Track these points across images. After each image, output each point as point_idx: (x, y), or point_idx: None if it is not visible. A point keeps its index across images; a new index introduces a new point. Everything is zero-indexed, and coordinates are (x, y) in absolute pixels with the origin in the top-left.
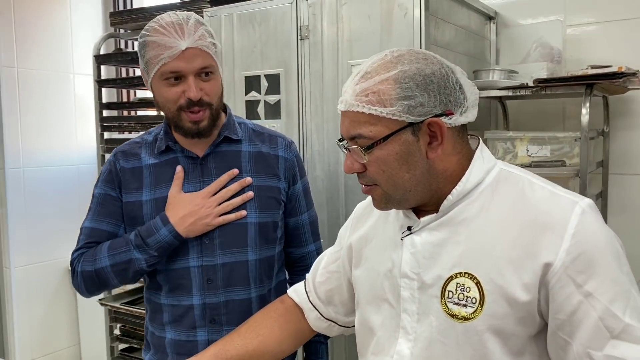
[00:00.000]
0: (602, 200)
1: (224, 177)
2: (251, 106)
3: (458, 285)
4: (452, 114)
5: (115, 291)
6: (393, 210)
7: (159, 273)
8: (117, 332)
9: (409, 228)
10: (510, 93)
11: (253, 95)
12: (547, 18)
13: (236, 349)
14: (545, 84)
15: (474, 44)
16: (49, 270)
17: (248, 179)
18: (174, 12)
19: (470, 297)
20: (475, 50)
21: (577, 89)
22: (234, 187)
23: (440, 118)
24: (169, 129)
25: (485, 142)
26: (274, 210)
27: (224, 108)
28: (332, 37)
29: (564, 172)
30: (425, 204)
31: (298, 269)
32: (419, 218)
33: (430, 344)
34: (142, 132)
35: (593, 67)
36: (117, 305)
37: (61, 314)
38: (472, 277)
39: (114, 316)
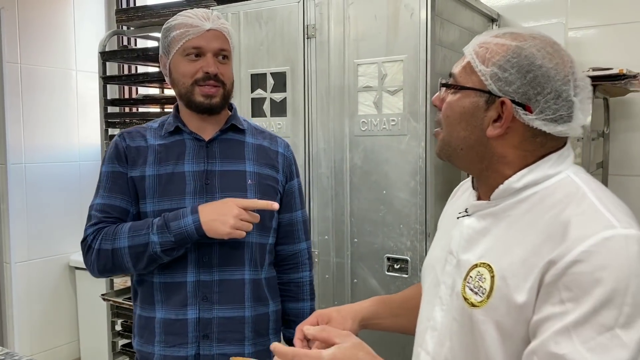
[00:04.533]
0: None
1: (262, 203)
2: (257, 104)
3: (478, 273)
4: (530, 111)
5: (117, 286)
6: (467, 192)
7: None
8: (118, 327)
9: (466, 210)
10: None
11: (259, 92)
12: (549, 21)
13: (399, 297)
14: None
15: None
16: (49, 266)
17: (276, 205)
18: (199, 8)
19: (482, 287)
20: None
21: None
22: (257, 218)
23: (517, 107)
24: (178, 113)
25: None
26: (271, 198)
27: (230, 105)
28: (339, 36)
29: None
30: (482, 183)
31: (289, 266)
32: None
33: (453, 319)
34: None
35: (594, 70)
36: (120, 300)
37: (61, 310)
38: (490, 270)
39: (115, 312)
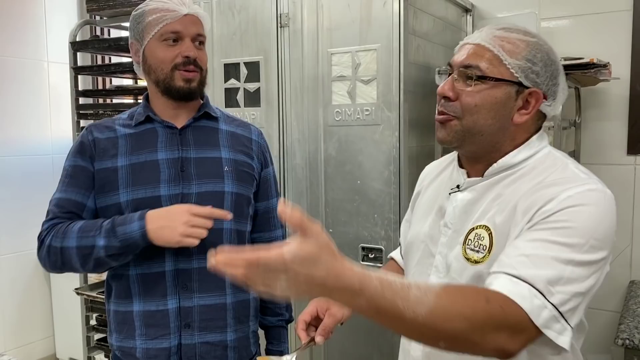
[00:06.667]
0: None
1: (217, 212)
2: (231, 94)
3: (476, 235)
4: (546, 99)
5: (91, 280)
6: (448, 173)
7: None
8: (93, 322)
9: (458, 186)
10: None
11: (232, 82)
12: (522, 11)
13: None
14: None
15: (450, 35)
16: (22, 261)
17: (230, 215)
18: None
19: (482, 244)
20: (452, 42)
21: None
22: (209, 223)
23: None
24: (148, 103)
25: None
26: (248, 185)
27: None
28: (312, 25)
29: None
30: (479, 162)
31: None
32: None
33: (450, 282)
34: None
35: (566, 59)
36: (94, 294)
37: (35, 305)
38: (487, 229)
39: (90, 306)
